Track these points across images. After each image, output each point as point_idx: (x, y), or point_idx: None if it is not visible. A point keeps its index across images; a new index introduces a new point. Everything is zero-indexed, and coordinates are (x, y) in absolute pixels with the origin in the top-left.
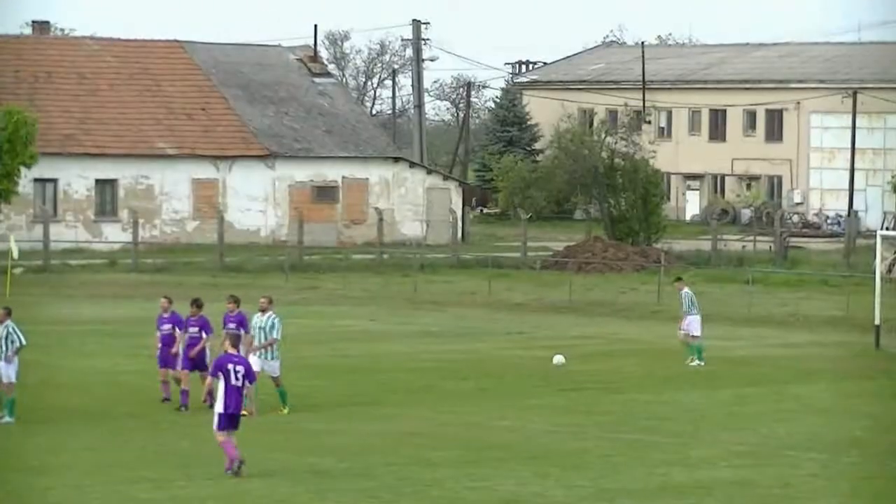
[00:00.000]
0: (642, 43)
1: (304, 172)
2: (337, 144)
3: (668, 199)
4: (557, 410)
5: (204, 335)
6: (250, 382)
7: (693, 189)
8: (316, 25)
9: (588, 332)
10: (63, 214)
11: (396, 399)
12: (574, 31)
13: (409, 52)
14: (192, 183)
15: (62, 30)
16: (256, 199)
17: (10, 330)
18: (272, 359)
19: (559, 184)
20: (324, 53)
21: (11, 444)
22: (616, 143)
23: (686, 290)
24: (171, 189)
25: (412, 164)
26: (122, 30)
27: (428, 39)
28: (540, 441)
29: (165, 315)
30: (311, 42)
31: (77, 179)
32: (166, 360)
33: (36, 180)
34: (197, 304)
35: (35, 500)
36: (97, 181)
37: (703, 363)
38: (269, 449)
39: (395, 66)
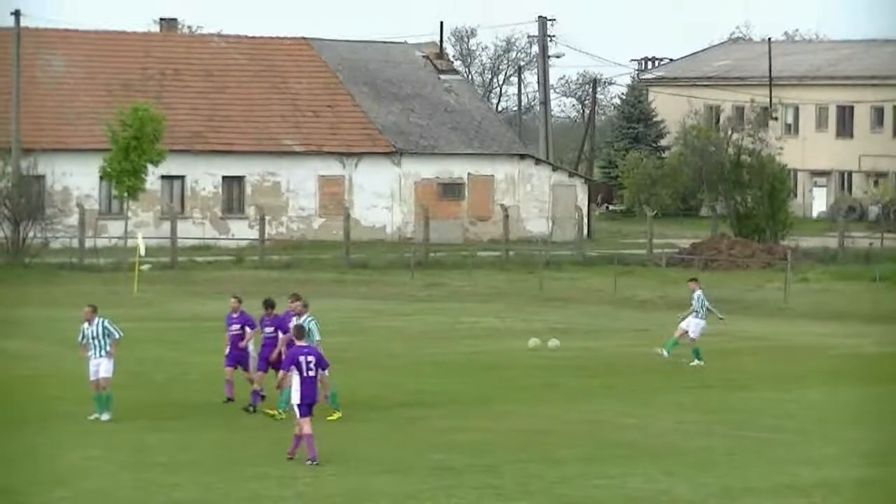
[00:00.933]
0: (769, 39)
1: (429, 169)
2: (463, 141)
3: (795, 195)
4: (683, 408)
5: (280, 334)
6: (323, 370)
7: (820, 186)
8: (442, 22)
9: (714, 330)
10: (190, 211)
11: (522, 396)
12: (700, 27)
13: (535, 48)
14: (319, 180)
15: (189, 27)
16: (382, 196)
17: (105, 325)
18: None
19: (685, 180)
20: (450, 50)
21: (139, 440)
22: (742, 139)
23: (699, 291)
24: (298, 186)
25: (538, 161)
26: (249, 27)
27: (554, 36)
28: (666, 439)
29: (235, 315)
30: (438, 39)
31: (204, 176)
32: (235, 360)
33: (163, 177)
34: (269, 304)
35: (161, 496)
36: (224, 178)
37: (703, 362)
38: (397, 446)
39: (521, 63)
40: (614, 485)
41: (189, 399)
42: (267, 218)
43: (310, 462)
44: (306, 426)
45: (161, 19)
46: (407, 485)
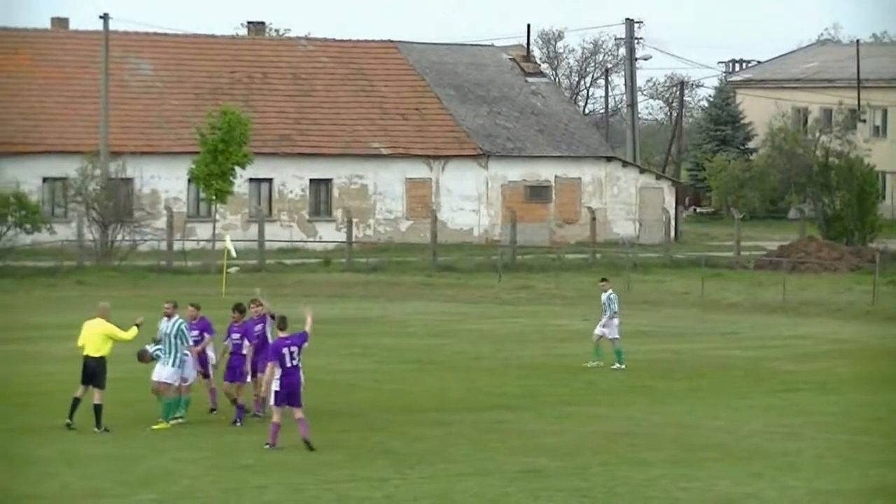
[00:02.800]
0: (857, 41)
1: (516, 172)
2: (549, 144)
3: (883, 198)
4: (771, 411)
5: (246, 342)
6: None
7: None
8: (529, 25)
9: (801, 333)
10: (278, 214)
11: (609, 399)
12: (788, 29)
13: (623, 51)
14: (406, 182)
15: (277, 30)
16: (469, 199)
17: (184, 329)
18: (175, 366)
19: (773, 183)
20: (537, 53)
21: (224, 442)
22: (830, 141)
23: (610, 291)
24: (385, 189)
25: (625, 164)
26: (336, 30)
27: (641, 38)
28: (753, 441)
29: (194, 322)
30: (524, 42)
31: (292, 179)
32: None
33: (251, 180)
34: (239, 309)
35: (250, 498)
36: (311, 181)
37: (597, 363)
38: (484, 448)
39: (608, 66)
40: (702, 487)
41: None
42: (354, 220)
43: (269, 446)
44: (276, 416)
45: (249, 23)
46: (493, 487)
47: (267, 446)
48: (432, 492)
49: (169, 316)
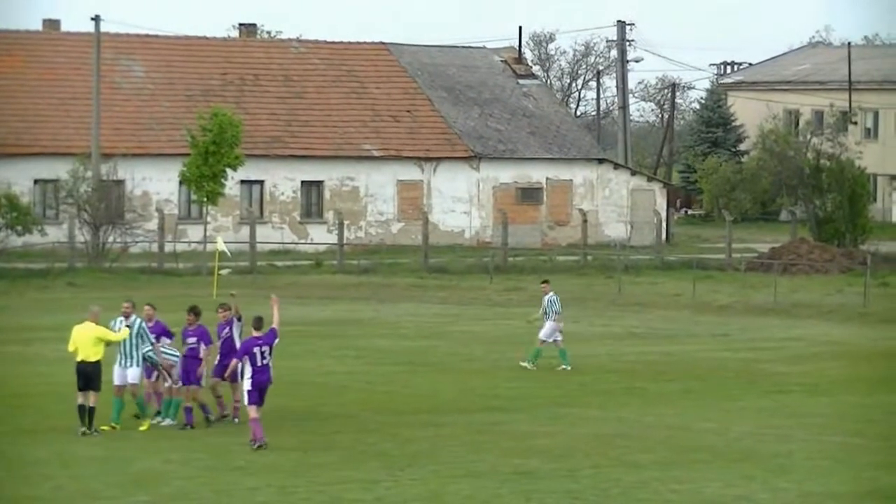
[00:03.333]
0: (848, 43)
1: (508, 174)
2: (541, 146)
3: (874, 200)
4: (763, 413)
5: (203, 346)
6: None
7: None
8: (521, 27)
9: (793, 334)
10: (269, 216)
11: (601, 401)
12: (780, 31)
13: (614, 53)
14: (397, 184)
15: (269, 32)
16: (461, 201)
17: (145, 328)
18: (137, 365)
19: (764, 185)
20: (528, 55)
21: (217, 444)
22: (822, 143)
23: (552, 293)
24: (377, 191)
25: (616, 166)
26: (328, 32)
27: (633, 40)
28: (745, 443)
29: (150, 324)
30: (516, 44)
31: (283, 181)
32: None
33: (242, 182)
34: (195, 311)
35: (242, 500)
36: (303, 183)
37: (533, 366)
38: (476, 450)
39: (600, 68)
40: (693, 489)
41: (267, 403)
42: (346, 222)
43: (253, 443)
44: (253, 412)
45: (240, 25)
46: (485, 489)
47: (253, 444)
48: (424, 493)
49: (127, 316)
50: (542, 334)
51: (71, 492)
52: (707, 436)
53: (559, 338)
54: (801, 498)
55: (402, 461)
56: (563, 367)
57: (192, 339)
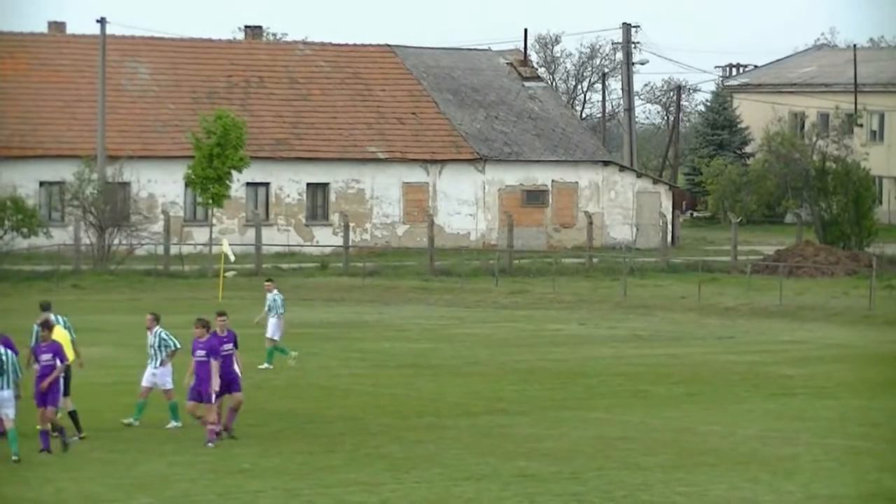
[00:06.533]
0: (854, 46)
1: (513, 176)
2: (547, 148)
3: (880, 202)
4: (768, 415)
5: (58, 363)
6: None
7: None
8: (526, 29)
9: (799, 337)
10: (275, 218)
11: (605, 403)
12: (785, 34)
13: (620, 55)
14: (403, 187)
15: (274, 35)
16: (466, 203)
17: (163, 336)
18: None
19: (770, 187)
20: (534, 57)
21: (222, 447)
22: (827, 146)
23: (275, 292)
24: (382, 193)
25: (622, 168)
26: (333, 34)
27: (638, 43)
28: (750, 446)
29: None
30: (522, 46)
31: (289, 183)
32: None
33: (248, 184)
34: (47, 326)
35: (246, 502)
36: (309, 185)
37: (271, 366)
38: (480, 453)
39: (606, 70)
40: (698, 492)
41: (272, 405)
42: (351, 225)
43: (211, 444)
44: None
45: (246, 27)
46: (489, 492)
47: (212, 440)
48: (428, 496)
49: (150, 329)
50: (268, 332)
51: (72, 495)
52: (712, 438)
53: (277, 336)
54: (806, 500)
55: (406, 464)
56: (267, 365)
57: (47, 356)
